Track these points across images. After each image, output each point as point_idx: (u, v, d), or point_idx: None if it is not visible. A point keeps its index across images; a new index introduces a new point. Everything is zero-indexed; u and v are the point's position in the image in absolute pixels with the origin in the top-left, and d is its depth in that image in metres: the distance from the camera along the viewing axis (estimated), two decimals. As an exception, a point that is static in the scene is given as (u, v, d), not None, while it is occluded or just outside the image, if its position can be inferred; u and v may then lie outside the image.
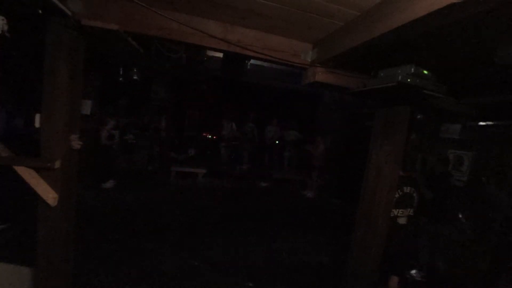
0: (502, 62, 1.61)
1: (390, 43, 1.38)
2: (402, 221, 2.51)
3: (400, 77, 1.57)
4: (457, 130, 3.53)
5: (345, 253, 2.65)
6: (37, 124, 1.74)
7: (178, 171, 6.62)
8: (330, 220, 5.12)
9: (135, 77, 5.60)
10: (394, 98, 2.11)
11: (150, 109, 7.46)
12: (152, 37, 1.83)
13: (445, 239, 3.45)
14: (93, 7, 1.65)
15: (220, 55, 5.38)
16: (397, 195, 2.43)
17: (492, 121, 3.17)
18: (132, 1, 1.55)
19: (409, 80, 1.57)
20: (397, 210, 2.47)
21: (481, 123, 3.28)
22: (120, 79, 5.61)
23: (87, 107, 4.52)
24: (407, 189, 2.52)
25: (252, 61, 6.55)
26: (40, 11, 1.50)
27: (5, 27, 1.49)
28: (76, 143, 1.84)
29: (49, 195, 1.70)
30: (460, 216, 3.36)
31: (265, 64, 6.67)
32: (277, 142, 7.97)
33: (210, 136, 8.57)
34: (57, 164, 1.70)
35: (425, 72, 1.63)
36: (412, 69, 1.58)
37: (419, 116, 4.00)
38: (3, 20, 1.47)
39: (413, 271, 3.31)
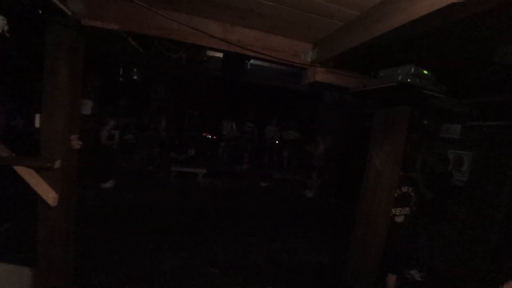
0: (502, 62, 1.61)
1: (390, 43, 1.38)
2: (399, 219, 2.52)
3: (400, 77, 1.57)
4: (457, 130, 3.53)
5: (345, 253, 2.65)
6: (37, 124, 1.74)
7: (178, 171, 6.62)
8: (330, 220, 5.12)
9: (135, 77, 5.60)
10: (394, 98, 2.11)
11: (150, 109, 7.46)
12: (152, 37, 1.83)
13: (445, 239, 3.45)
14: (93, 7, 1.65)
15: (220, 55, 5.38)
16: (395, 195, 2.43)
17: (492, 121, 3.17)
18: (132, 1, 1.55)
19: (409, 80, 1.57)
20: (395, 209, 2.48)
21: (481, 123, 3.28)
22: (120, 79, 5.61)
23: (87, 107, 4.52)
24: (404, 189, 2.52)
25: (252, 61, 6.56)
26: (40, 11, 1.50)
27: (5, 27, 1.49)
28: (76, 143, 1.84)
29: (49, 195, 1.70)
30: (460, 216, 3.36)
31: (265, 64, 6.68)
32: (277, 142, 7.97)
33: (210, 136, 8.57)
34: (57, 164, 1.71)
35: (425, 72, 1.62)
36: (412, 69, 1.58)
37: (418, 116, 4.00)
38: (3, 20, 1.47)
39: (413, 271, 3.31)
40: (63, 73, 1.70)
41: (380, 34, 1.30)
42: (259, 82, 7.20)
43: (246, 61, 6.16)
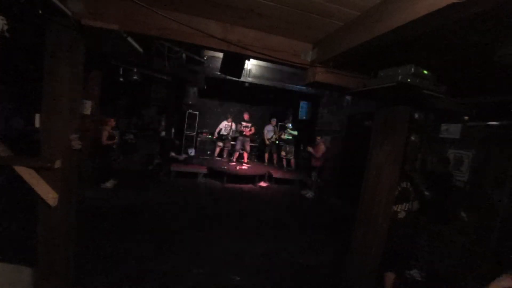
0: (502, 62, 1.61)
1: (390, 43, 1.38)
2: (401, 215, 2.53)
3: (400, 77, 1.57)
4: (457, 130, 3.53)
5: (345, 253, 2.65)
6: (37, 124, 1.75)
7: (178, 171, 6.62)
8: (330, 220, 5.12)
9: (135, 77, 5.60)
10: (394, 98, 2.11)
11: (150, 109, 7.47)
12: (152, 37, 1.84)
13: (445, 239, 3.45)
14: (93, 7, 1.65)
15: (220, 55, 5.38)
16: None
17: (492, 121, 3.17)
18: (132, 1, 1.55)
19: (409, 80, 1.57)
20: (396, 205, 2.48)
21: (481, 123, 3.28)
22: (120, 79, 5.61)
23: (87, 107, 4.51)
24: (403, 184, 2.53)
25: (252, 61, 6.56)
26: (40, 11, 1.50)
27: (5, 27, 1.49)
28: (76, 143, 1.84)
29: (49, 195, 1.70)
30: (460, 216, 3.36)
31: (265, 64, 6.68)
32: (277, 142, 7.97)
33: (210, 136, 8.57)
34: (57, 164, 1.71)
35: (425, 72, 1.63)
36: (412, 69, 1.58)
37: (418, 116, 4.00)
38: (3, 20, 1.47)
39: (413, 271, 3.31)
40: (63, 73, 1.71)
41: (380, 34, 1.31)
42: (259, 82, 7.18)
43: (246, 61, 6.17)
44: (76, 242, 2.05)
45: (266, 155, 8.36)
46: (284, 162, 8.01)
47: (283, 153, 7.95)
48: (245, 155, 7.91)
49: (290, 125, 7.84)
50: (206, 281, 2.73)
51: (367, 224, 2.30)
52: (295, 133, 7.77)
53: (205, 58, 6.29)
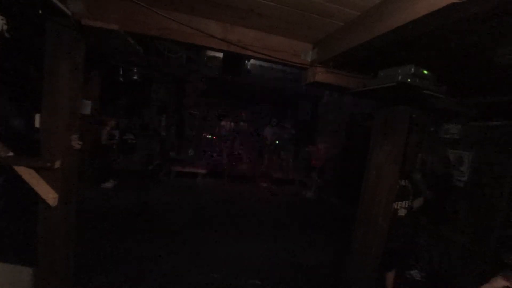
0: (502, 62, 1.61)
1: (390, 43, 1.38)
2: (401, 213, 2.53)
3: (400, 77, 1.57)
4: (457, 130, 3.53)
5: (345, 253, 2.65)
6: (37, 124, 1.74)
7: (178, 171, 6.62)
8: (330, 220, 5.12)
9: (135, 77, 5.60)
10: (394, 98, 2.11)
11: (150, 109, 7.46)
12: (152, 37, 1.83)
13: (445, 239, 3.45)
14: (93, 7, 1.65)
15: (220, 55, 5.39)
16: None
17: (492, 121, 3.17)
18: (132, 1, 1.55)
19: (409, 80, 1.57)
20: (397, 203, 2.48)
21: (481, 123, 3.28)
22: (120, 79, 5.61)
23: (87, 107, 4.51)
24: (402, 182, 2.53)
25: (251, 61, 6.56)
26: (40, 11, 1.50)
27: (5, 27, 1.49)
28: (76, 143, 1.84)
29: (49, 195, 1.70)
30: (460, 216, 3.36)
31: (265, 64, 6.68)
32: (277, 142, 7.97)
33: (210, 136, 8.58)
34: (57, 164, 1.70)
35: (425, 72, 1.62)
36: (412, 69, 1.58)
37: (416, 116, 4.00)
38: (3, 20, 1.47)
39: (413, 271, 3.31)
40: (63, 73, 1.70)
41: (380, 34, 1.30)
42: (259, 82, 7.18)
43: (246, 61, 6.16)
44: (76, 242, 2.05)
45: (266, 155, 8.37)
46: (284, 162, 8.02)
47: (283, 153, 7.96)
48: (245, 155, 7.91)
49: (290, 125, 7.85)
50: (206, 281, 2.73)
51: (367, 224, 2.30)
52: (295, 133, 7.77)
53: (205, 58, 6.29)
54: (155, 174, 6.51)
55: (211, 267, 2.97)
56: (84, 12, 1.63)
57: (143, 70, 5.64)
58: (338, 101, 6.88)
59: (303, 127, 8.14)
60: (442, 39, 1.50)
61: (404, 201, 2.55)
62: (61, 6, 1.50)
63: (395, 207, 2.48)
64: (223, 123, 8.00)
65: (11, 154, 1.69)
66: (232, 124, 7.87)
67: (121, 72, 5.54)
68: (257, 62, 6.63)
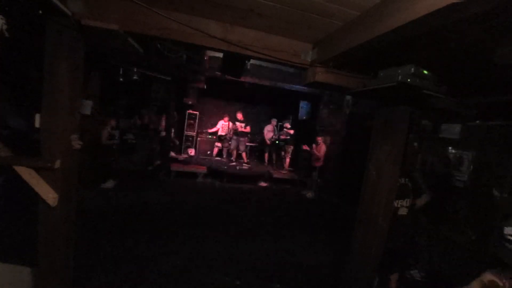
0: (502, 62, 1.61)
1: (390, 43, 1.38)
2: (402, 211, 2.52)
3: (400, 77, 1.57)
4: (457, 130, 3.53)
5: (345, 253, 2.64)
6: (37, 124, 1.74)
7: (178, 171, 6.62)
8: (330, 220, 5.12)
9: (135, 77, 5.60)
10: (394, 98, 2.11)
11: (150, 109, 7.46)
12: (152, 37, 1.84)
13: (445, 239, 3.45)
14: (93, 7, 1.65)
15: (220, 54, 5.38)
16: None
17: (492, 121, 3.17)
18: (132, 1, 1.55)
19: (409, 80, 1.57)
20: (397, 201, 2.48)
21: (481, 123, 3.28)
22: (120, 79, 5.61)
23: (87, 107, 4.51)
24: (402, 180, 2.52)
25: (251, 61, 6.56)
26: (40, 11, 1.50)
27: (4, 27, 1.49)
28: (76, 143, 1.84)
29: (49, 195, 1.70)
30: (461, 216, 3.36)
31: (265, 63, 6.68)
32: (277, 142, 7.96)
33: (209, 136, 8.58)
34: (57, 164, 1.71)
35: (425, 72, 1.62)
36: (412, 69, 1.58)
37: (418, 116, 4.00)
38: (2, 20, 1.47)
39: (413, 271, 3.31)
40: (63, 73, 1.70)
41: (380, 34, 1.31)
42: (258, 82, 7.18)
43: (246, 61, 6.15)
44: (76, 242, 2.05)
45: (266, 155, 8.37)
46: (284, 162, 8.01)
47: (283, 153, 7.95)
48: (244, 155, 7.91)
49: (290, 125, 7.84)
50: (205, 281, 2.73)
51: (367, 224, 2.30)
52: (295, 133, 7.76)
53: (205, 58, 6.29)
54: (155, 174, 6.51)
55: (210, 267, 2.97)
56: (84, 12, 1.63)
57: (143, 70, 5.64)
58: (338, 101, 6.88)
59: (303, 127, 8.13)
60: (442, 39, 1.50)
61: (405, 200, 2.55)
62: (61, 6, 1.50)
63: (396, 205, 2.47)
64: (219, 122, 8.01)
65: (11, 154, 1.69)
66: (229, 123, 7.86)
67: (121, 72, 5.54)
68: (257, 62, 6.63)
